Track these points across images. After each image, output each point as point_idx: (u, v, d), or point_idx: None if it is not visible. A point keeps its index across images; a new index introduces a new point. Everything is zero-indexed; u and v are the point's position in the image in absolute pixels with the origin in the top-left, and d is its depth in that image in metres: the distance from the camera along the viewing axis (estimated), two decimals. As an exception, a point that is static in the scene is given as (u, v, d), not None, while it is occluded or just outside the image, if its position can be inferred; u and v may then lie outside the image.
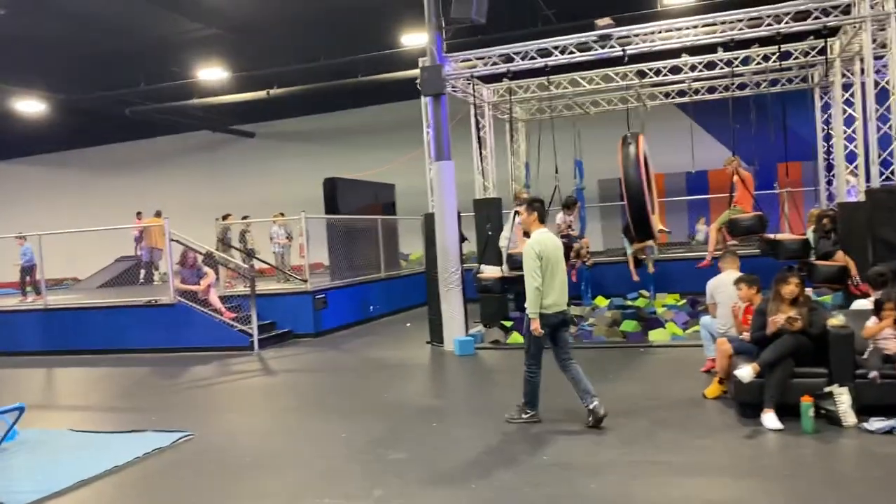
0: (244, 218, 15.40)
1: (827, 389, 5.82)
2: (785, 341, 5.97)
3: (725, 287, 7.60)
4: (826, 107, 13.38)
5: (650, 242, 12.29)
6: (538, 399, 6.64)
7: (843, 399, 5.73)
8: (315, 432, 6.77)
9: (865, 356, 6.00)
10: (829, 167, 13.34)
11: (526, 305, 6.35)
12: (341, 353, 11.26)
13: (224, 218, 14.61)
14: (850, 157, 11.20)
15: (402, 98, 19.82)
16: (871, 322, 6.06)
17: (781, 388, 5.91)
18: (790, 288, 6.15)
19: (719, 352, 6.71)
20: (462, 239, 11.51)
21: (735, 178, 10.30)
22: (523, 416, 6.60)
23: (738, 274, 7.82)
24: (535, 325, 6.28)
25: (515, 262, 10.49)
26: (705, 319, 7.98)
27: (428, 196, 11.12)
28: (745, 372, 5.95)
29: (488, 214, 11.67)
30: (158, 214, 17.47)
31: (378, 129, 23.08)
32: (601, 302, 13.92)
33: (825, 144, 13.38)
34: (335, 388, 8.77)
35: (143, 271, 18.44)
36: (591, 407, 6.28)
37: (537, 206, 6.61)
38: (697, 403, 6.66)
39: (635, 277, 12.79)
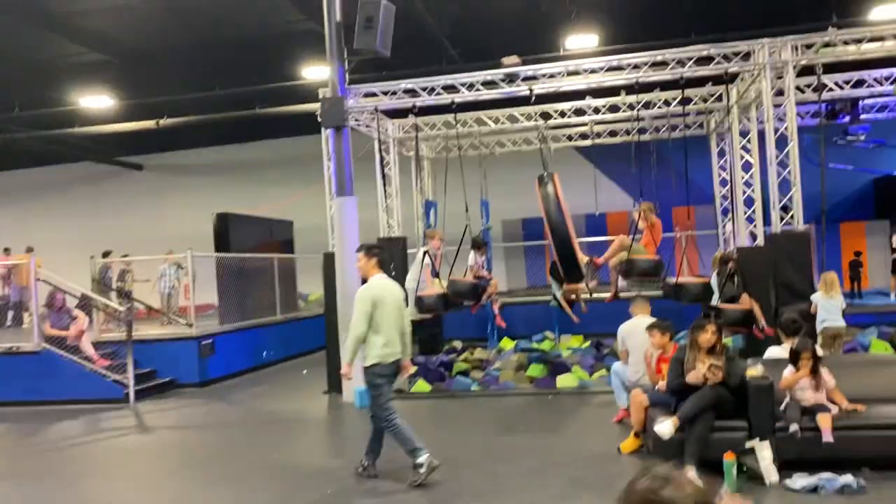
0: (124, 256, 14.17)
1: (748, 445, 5.51)
2: (705, 394, 5.65)
3: (637, 333, 7.31)
4: (722, 153, 13.67)
5: (580, 286, 12.08)
6: (417, 440, 6.06)
7: (764, 455, 5.44)
8: (195, 502, 5.90)
9: (783, 408, 5.76)
10: (725, 211, 13.60)
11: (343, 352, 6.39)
12: (229, 405, 10.30)
13: (104, 255, 13.37)
14: (749, 202, 11.35)
15: (303, 132, 18.97)
16: (788, 372, 5.83)
17: (703, 444, 5.56)
18: (707, 336, 5.87)
19: (634, 403, 6.35)
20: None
21: (644, 223, 10.19)
22: (421, 470, 5.95)
23: (649, 319, 7.56)
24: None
25: (425, 305, 9.95)
26: (616, 367, 7.65)
27: (328, 234, 10.45)
28: (665, 428, 5.58)
29: (392, 254, 11.09)
30: (30, 251, 15.89)
31: (278, 163, 22.16)
32: (507, 344, 13.54)
33: (721, 189, 13.62)
34: (220, 447, 7.85)
35: (10, 312, 16.70)
36: (366, 464, 6.24)
37: (376, 251, 6.47)
38: (614, 459, 6.24)
39: (575, 319, 12.44)
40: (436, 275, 10.45)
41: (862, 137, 12.96)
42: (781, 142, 9.28)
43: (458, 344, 13.81)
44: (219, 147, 23.38)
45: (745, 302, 9.91)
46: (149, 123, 18.71)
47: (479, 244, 11.88)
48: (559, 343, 12.91)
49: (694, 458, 5.50)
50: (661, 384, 6.43)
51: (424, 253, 10.20)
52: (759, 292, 10.24)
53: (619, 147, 17.91)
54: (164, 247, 15.22)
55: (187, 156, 23.97)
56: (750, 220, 13.94)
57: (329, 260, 10.27)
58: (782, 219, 9.17)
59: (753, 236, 12.51)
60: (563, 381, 9.85)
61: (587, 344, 12.98)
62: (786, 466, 5.48)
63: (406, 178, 13.79)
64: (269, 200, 18.20)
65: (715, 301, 9.94)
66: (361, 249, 6.64)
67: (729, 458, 5.34)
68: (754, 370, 5.77)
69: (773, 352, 6.61)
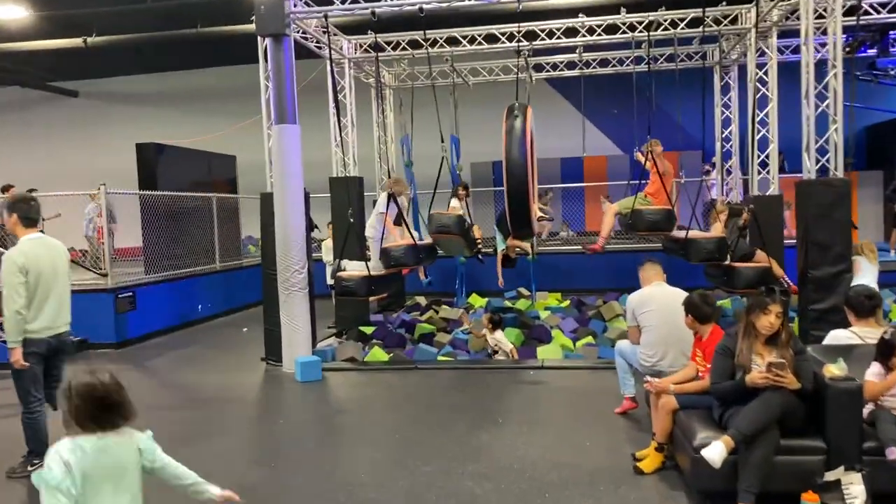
0: (30, 191, 11.92)
1: (830, 476, 3.87)
2: (770, 402, 3.97)
3: (655, 305, 5.60)
4: (726, 88, 11.89)
5: (525, 244, 10.33)
6: (47, 444, 4.58)
7: (854, 490, 3.82)
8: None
9: (867, 419, 4.13)
10: (727, 156, 11.91)
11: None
12: (142, 375, 8.42)
13: (4, 191, 11.18)
14: (763, 145, 9.64)
15: (255, 60, 16.61)
16: (874, 372, 4.17)
17: (765, 472, 3.91)
18: (770, 320, 4.16)
19: (660, 409, 4.66)
20: (311, 226, 8.97)
21: (651, 164, 8.44)
22: (29, 468, 4.95)
23: (666, 286, 5.86)
24: (17, 357, 4.89)
25: (392, 258, 8.15)
26: (623, 347, 5.95)
27: (266, 172, 8.49)
28: (716, 453, 3.89)
29: (349, 197, 9.19)
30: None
31: (226, 94, 19.72)
32: (477, 301, 11.82)
33: (724, 131, 11.87)
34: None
35: None
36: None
37: (20, 205, 5.10)
38: (632, 482, 4.56)
39: (501, 281, 10.77)
40: (400, 223, 8.62)
41: (892, 72, 11.26)
42: (820, 72, 7.52)
43: (421, 300, 12.06)
44: (161, 74, 20.86)
45: (762, 259, 8.30)
46: (76, 42, 16.15)
47: (461, 186, 10.02)
48: (536, 302, 11.20)
49: (753, 494, 3.85)
50: (677, 377, 4.78)
51: (389, 197, 8.31)
52: (774, 249, 8.69)
53: (601, 86, 16.05)
54: (100, 182, 13.03)
55: (126, 83, 21.38)
56: (763, 165, 12.35)
57: (267, 201, 8.33)
58: (817, 161, 7.47)
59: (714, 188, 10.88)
60: (546, 352, 8.17)
61: (566, 303, 11.33)
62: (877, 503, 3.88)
63: (365, 111, 11.75)
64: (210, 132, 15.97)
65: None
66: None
67: (811, 501, 3.70)
68: (835, 368, 4.08)
69: (837, 336, 4.94)
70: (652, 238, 11.94)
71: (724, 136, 11.77)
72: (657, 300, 5.63)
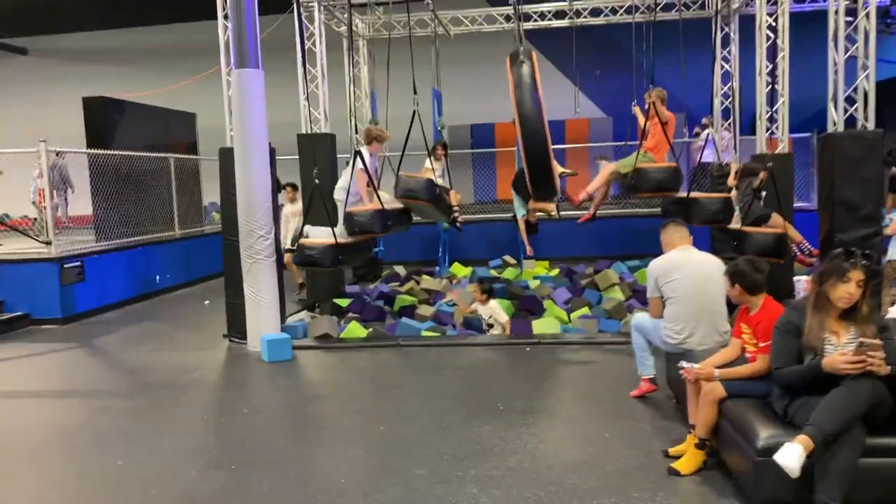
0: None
1: (933, 484, 3.09)
2: (857, 393, 3.16)
3: (682, 273, 4.77)
4: (726, 41, 11.03)
5: (551, 205, 9.42)
6: None
7: (963, 503, 3.04)
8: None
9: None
10: (726, 114, 11.09)
11: None
12: (88, 355, 7.42)
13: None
14: (773, 100, 8.81)
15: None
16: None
17: (849, 479, 3.12)
18: (848, 290, 3.34)
19: (702, 398, 3.83)
20: (278, 187, 7.97)
21: (653, 116, 7.58)
22: None
23: (694, 251, 5.03)
24: None
25: (356, 224, 7.23)
26: (642, 320, 5.13)
27: (226, 124, 7.46)
28: (794, 458, 3.07)
29: (315, 155, 8.18)
30: None
31: (186, 51, 18.38)
32: (459, 271, 10.94)
33: (722, 87, 11.03)
34: (47, 439, 5.03)
35: None
36: None
37: None
38: (670, 488, 3.74)
39: (529, 249, 9.90)
40: (372, 184, 7.68)
41: (907, 23, 10.50)
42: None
43: (400, 269, 11.13)
44: (117, 31, 19.41)
45: (778, 224, 7.54)
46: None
47: (440, 144, 9.07)
48: (524, 271, 10.35)
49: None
50: (719, 359, 3.98)
51: (356, 154, 7.37)
52: (786, 215, 7.95)
53: (582, 46, 15.16)
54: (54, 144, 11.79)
55: (80, 39, 19.87)
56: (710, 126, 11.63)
57: (226, 157, 7.32)
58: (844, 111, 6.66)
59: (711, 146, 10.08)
60: (542, 325, 7.33)
61: (556, 272, 10.49)
62: None
63: (336, 66, 10.69)
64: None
65: (735, 223, 7.56)
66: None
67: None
68: (929, 350, 3.28)
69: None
70: (648, 200, 11.17)
71: (722, 92, 10.91)
72: (685, 267, 4.80)
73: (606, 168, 8.42)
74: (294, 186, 9.93)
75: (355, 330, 7.45)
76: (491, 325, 7.38)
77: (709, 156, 10.84)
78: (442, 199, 7.93)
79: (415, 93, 7.26)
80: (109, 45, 19.68)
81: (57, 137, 12.55)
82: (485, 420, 4.79)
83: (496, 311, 7.40)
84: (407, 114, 7.23)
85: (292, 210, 9.88)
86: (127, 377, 6.42)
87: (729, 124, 11.04)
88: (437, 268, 10.97)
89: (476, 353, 6.65)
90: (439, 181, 8.36)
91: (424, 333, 7.38)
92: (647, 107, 7.65)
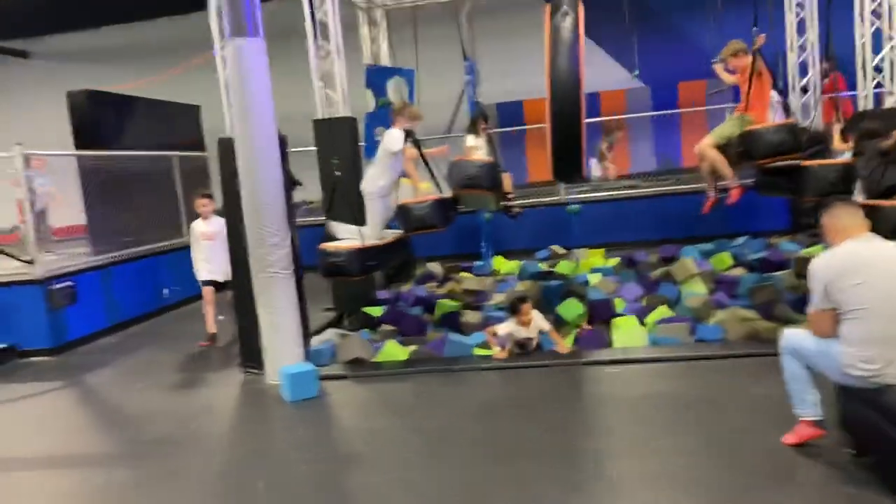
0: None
1: None
2: None
3: (869, 274, 3.27)
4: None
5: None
6: None
7: None
8: None
9: None
10: (804, 70, 9.47)
11: None
12: (78, 397, 6.09)
13: None
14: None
15: None
16: None
17: None
18: None
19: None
20: (293, 183, 6.54)
21: (744, 71, 6.10)
22: None
23: (881, 242, 3.50)
24: None
25: (414, 218, 5.93)
26: (797, 339, 3.63)
27: (224, 107, 6.07)
28: None
29: (334, 143, 6.73)
30: None
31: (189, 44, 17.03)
32: (503, 265, 9.49)
33: (798, 39, 9.39)
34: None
35: None
36: None
37: None
38: None
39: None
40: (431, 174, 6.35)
41: None
42: None
43: (435, 267, 9.70)
44: (124, 25, 18.08)
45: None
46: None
47: (481, 117, 7.59)
48: (580, 262, 8.85)
49: None
50: None
51: (407, 135, 5.97)
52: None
53: (611, 6, 13.53)
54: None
55: (83, 38, 18.58)
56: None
57: (226, 149, 5.92)
58: None
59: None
60: (624, 336, 5.85)
61: (614, 261, 8.99)
62: None
63: (349, 45, 9.19)
64: (178, 89, 13.28)
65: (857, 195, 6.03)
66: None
67: None
68: None
69: None
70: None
71: (799, 44, 9.28)
72: (872, 266, 3.30)
73: (706, 147, 6.80)
74: (209, 196, 7.48)
75: (393, 351, 6.04)
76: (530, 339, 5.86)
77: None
78: (501, 184, 6.54)
79: (465, 58, 5.81)
80: (115, 41, 18.36)
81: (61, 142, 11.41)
82: (578, 484, 3.36)
83: (540, 322, 5.86)
84: (437, 95, 5.85)
85: (204, 230, 7.32)
86: (121, 431, 5.05)
87: (806, 83, 9.42)
88: (480, 262, 9.52)
89: (543, 377, 5.21)
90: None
91: (477, 351, 5.95)
92: (739, 62, 6.17)
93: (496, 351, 5.71)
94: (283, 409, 5.09)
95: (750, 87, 6.09)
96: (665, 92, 15.89)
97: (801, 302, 6.27)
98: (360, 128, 8.06)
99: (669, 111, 14.24)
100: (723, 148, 6.49)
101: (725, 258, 8.16)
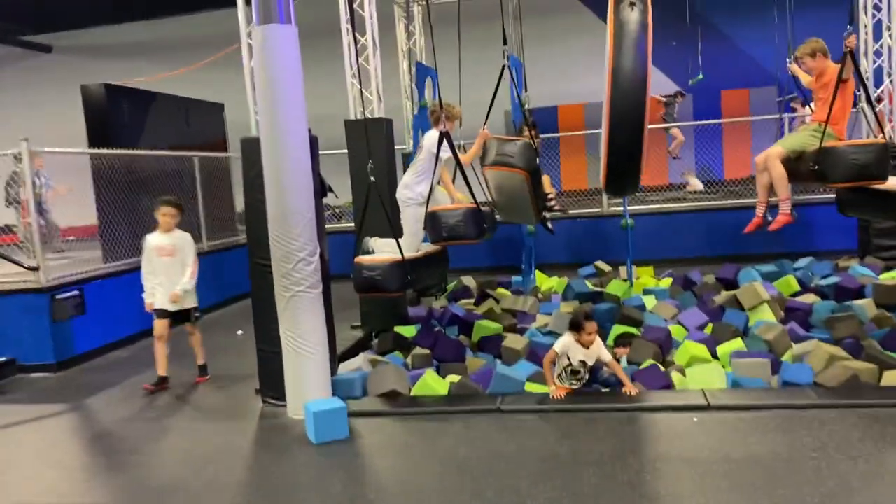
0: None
1: None
2: None
3: None
4: None
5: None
6: None
7: None
8: None
9: None
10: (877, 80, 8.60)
11: None
12: (79, 428, 5.32)
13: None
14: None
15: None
16: None
17: None
18: None
19: None
20: (324, 189, 5.82)
21: (826, 73, 5.32)
22: None
23: None
24: None
25: (444, 228, 5.17)
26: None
27: (249, 102, 5.35)
28: None
29: (370, 145, 5.99)
30: None
31: (214, 41, 16.41)
32: (544, 282, 8.70)
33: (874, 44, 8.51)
34: None
35: None
36: None
37: None
38: None
39: None
40: (463, 174, 5.65)
41: None
42: None
43: (468, 281, 8.94)
44: (148, 21, 17.55)
45: None
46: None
47: (528, 124, 6.84)
48: (634, 284, 8.03)
49: None
50: None
51: (442, 137, 5.24)
52: None
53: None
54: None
55: (107, 33, 18.08)
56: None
57: (251, 149, 5.20)
58: None
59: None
60: (697, 377, 5.04)
61: (667, 281, 8.18)
62: None
63: (388, 40, 8.46)
64: (203, 86, 12.63)
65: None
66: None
67: None
68: None
69: None
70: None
71: (874, 50, 8.42)
72: None
73: (772, 160, 5.96)
74: (175, 205, 6.19)
75: (432, 383, 5.26)
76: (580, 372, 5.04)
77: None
78: (540, 175, 5.78)
79: (505, 42, 5.07)
80: (139, 37, 17.83)
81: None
82: None
83: (601, 351, 5.05)
84: (480, 96, 5.12)
85: (162, 244, 6.02)
86: (124, 474, 4.31)
87: (881, 92, 8.55)
88: (518, 278, 8.73)
89: (610, 427, 4.39)
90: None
91: (528, 387, 5.16)
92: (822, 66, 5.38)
93: (552, 389, 4.92)
94: (309, 453, 4.33)
95: (835, 96, 5.28)
96: (707, 101, 15.09)
97: (890, 338, 5.48)
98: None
99: (713, 121, 13.38)
100: (788, 162, 5.68)
101: (791, 282, 7.30)
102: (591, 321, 4.87)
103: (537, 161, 5.69)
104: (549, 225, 7.75)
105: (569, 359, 4.91)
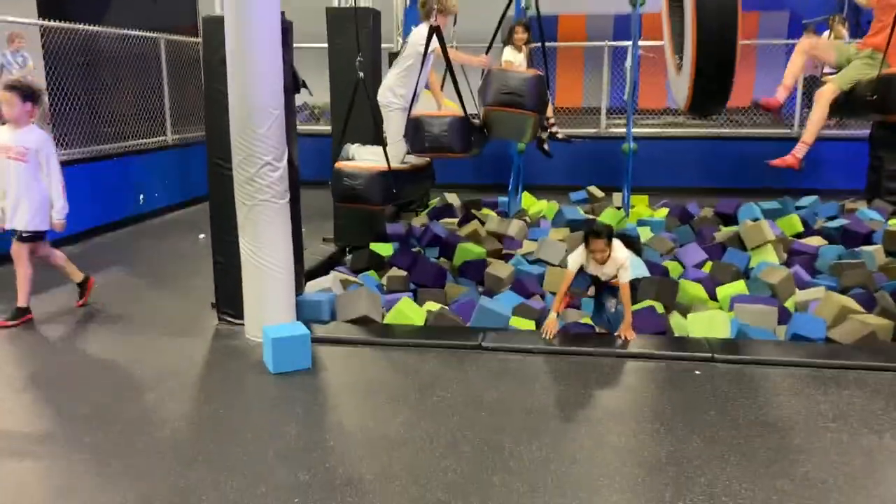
0: None
1: None
2: None
3: None
4: None
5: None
6: None
7: None
8: None
9: None
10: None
11: None
12: (16, 335, 4.73)
13: None
14: None
15: None
16: None
17: None
18: None
19: None
20: (297, 84, 5.04)
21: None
22: None
23: None
24: None
25: (427, 138, 4.50)
26: None
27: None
28: None
29: (359, 36, 5.16)
30: None
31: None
32: (532, 204, 8.10)
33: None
34: None
35: None
36: None
37: None
38: None
39: None
40: (455, 85, 4.94)
41: None
42: None
43: (452, 198, 8.31)
44: None
45: None
46: None
47: (521, 25, 6.06)
48: (629, 214, 7.45)
49: None
50: None
51: (432, 31, 4.50)
52: None
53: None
54: None
55: None
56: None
57: (213, 31, 4.41)
58: None
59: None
60: (699, 323, 4.52)
61: (663, 212, 7.62)
62: None
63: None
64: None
65: None
66: None
67: None
68: None
69: None
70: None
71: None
72: None
73: (824, 96, 5.29)
74: (17, 89, 4.70)
75: (408, 311, 4.70)
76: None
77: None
78: (546, 107, 5.10)
79: None
80: None
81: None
82: None
83: (620, 271, 4.35)
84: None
85: (5, 142, 4.66)
86: (56, 396, 3.74)
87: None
88: (504, 199, 8.11)
89: (602, 377, 3.90)
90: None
91: (514, 322, 4.64)
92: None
93: (551, 318, 4.35)
94: (264, 384, 3.79)
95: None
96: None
97: (903, 291, 5.02)
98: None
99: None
100: (837, 100, 5.04)
101: (795, 222, 6.75)
102: (599, 238, 4.24)
103: (547, 90, 4.95)
104: (547, 147, 7.13)
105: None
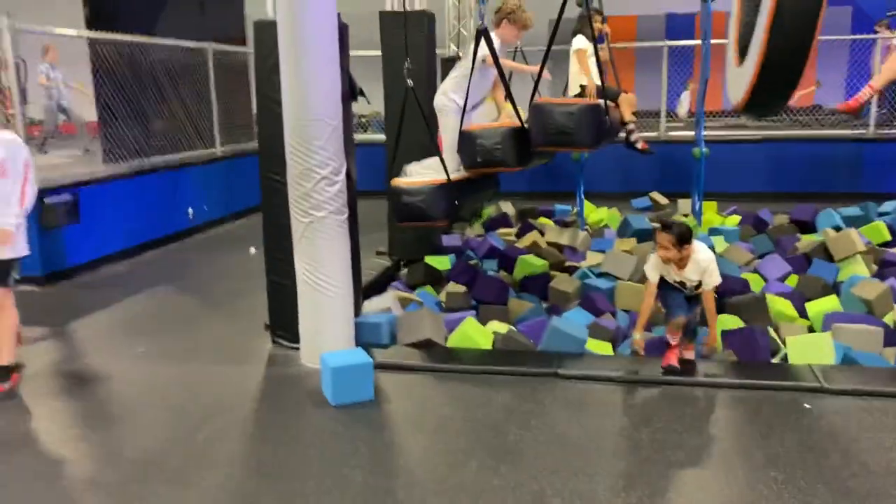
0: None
1: None
2: None
3: None
4: None
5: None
6: None
7: None
8: None
9: None
10: None
11: None
12: (58, 361, 4.43)
13: None
14: None
15: None
16: None
17: None
18: None
19: None
20: (354, 92, 4.67)
21: None
22: None
23: None
24: None
25: (479, 151, 4.10)
26: None
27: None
28: None
29: (407, 43, 4.82)
30: None
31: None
32: (593, 213, 7.66)
33: None
34: None
35: None
36: None
37: None
38: None
39: None
40: (508, 93, 4.52)
41: None
42: None
43: (507, 207, 7.91)
44: None
45: None
46: None
47: (596, 12, 5.59)
48: (701, 222, 6.94)
49: None
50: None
51: (479, 36, 4.12)
52: None
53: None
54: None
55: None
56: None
57: (265, 37, 4.10)
58: None
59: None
60: (800, 349, 4.02)
61: (734, 220, 7.10)
62: None
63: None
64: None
65: None
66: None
67: None
68: None
69: None
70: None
71: None
72: None
73: (884, 75, 4.83)
74: None
75: (473, 333, 4.31)
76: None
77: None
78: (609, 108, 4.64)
79: None
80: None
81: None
82: None
83: (706, 275, 3.80)
84: None
85: None
86: (103, 437, 3.45)
87: None
88: (562, 207, 7.66)
89: (699, 411, 3.46)
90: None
91: (591, 346, 4.21)
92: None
93: (637, 338, 3.89)
94: (324, 418, 3.44)
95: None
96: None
97: None
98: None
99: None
100: None
101: (881, 229, 6.17)
102: (665, 232, 3.70)
103: (607, 122, 4.44)
104: (633, 140, 6.32)
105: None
